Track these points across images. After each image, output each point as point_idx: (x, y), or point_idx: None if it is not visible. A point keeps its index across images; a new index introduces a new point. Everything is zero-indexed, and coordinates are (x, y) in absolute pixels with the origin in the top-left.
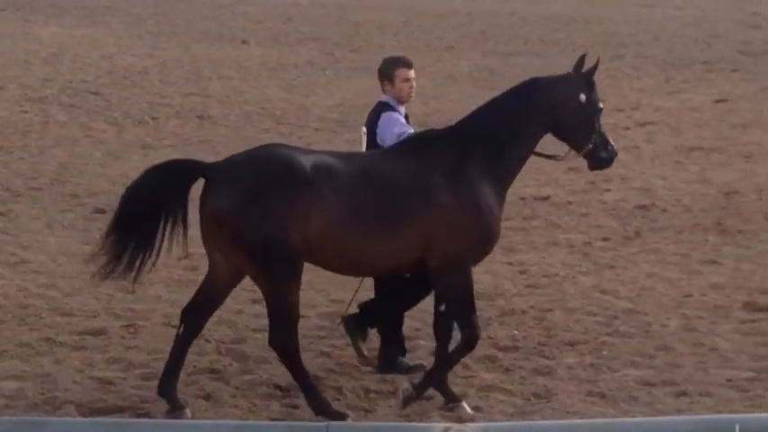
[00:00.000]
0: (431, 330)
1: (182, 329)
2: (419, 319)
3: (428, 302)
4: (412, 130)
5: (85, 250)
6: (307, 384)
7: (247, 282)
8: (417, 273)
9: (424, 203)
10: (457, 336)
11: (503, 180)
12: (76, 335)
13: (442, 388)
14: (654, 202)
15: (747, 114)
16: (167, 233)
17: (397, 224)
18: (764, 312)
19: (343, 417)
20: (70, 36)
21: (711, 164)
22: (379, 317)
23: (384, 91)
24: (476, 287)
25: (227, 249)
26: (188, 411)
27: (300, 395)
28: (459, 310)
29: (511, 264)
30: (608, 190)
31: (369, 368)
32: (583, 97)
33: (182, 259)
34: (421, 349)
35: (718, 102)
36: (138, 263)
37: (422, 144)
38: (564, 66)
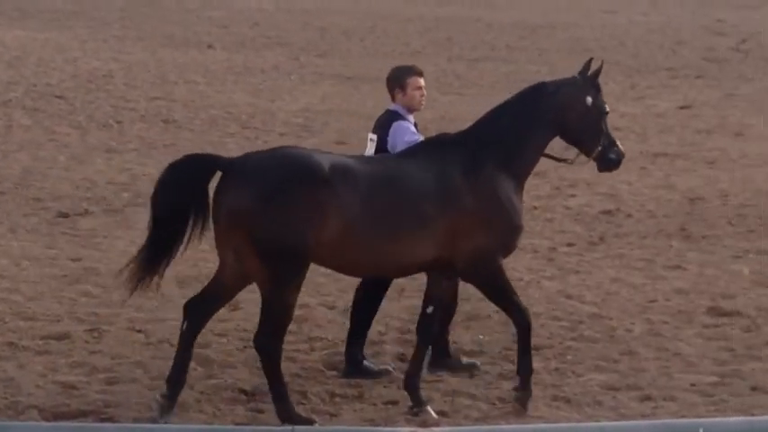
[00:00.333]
0: (396, 335)
1: (185, 326)
2: (384, 324)
3: (394, 308)
4: (423, 139)
5: (49, 254)
6: (279, 390)
7: None
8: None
9: (444, 202)
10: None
11: (517, 177)
12: (40, 339)
13: (412, 390)
14: (619, 208)
15: (711, 120)
16: (194, 230)
17: (417, 223)
18: (728, 317)
19: (310, 422)
20: (34, 39)
21: (676, 170)
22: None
23: (394, 99)
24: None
25: (242, 248)
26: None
27: (266, 399)
28: (501, 301)
29: None
30: (573, 195)
31: (333, 372)
32: (589, 100)
33: None
34: (387, 354)
35: (682, 108)
36: (163, 265)
37: (437, 147)
38: (530, 71)
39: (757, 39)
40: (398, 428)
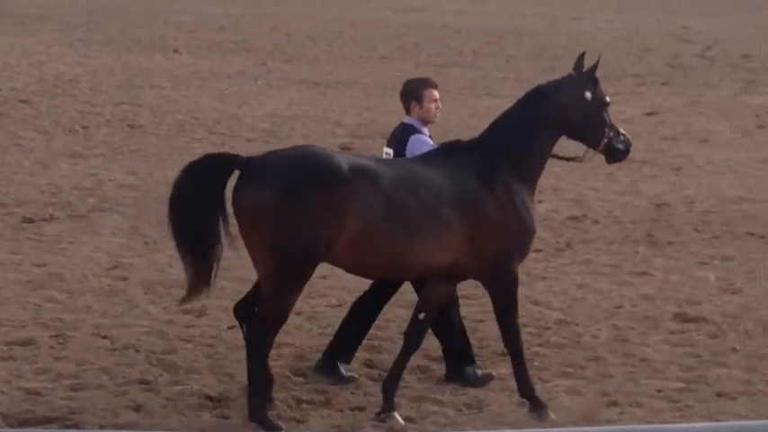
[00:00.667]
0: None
1: (245, 329)
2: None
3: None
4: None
5: (13, 260)
6: (257, 388)
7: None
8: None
9: (463, 207)
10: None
11: (528, 181)
12: (4, 345)
13: (389, 395)
14: (585, 214)
15: (677, 127)
16: (222, 228)
17: (436, 226)
18: (694, 323)
19: (277, 429)
20: None
21: (642, 176)
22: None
23: (410, 112)
24: (408, 297)
25: (257, 244)
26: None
27: (232, 405)
28: (505, 316)
29: None
30: (540, 201)
31: (300, 378)
32: (588, 95)
33: (112, 269)
34: (355, 360)
35: (649, 114)
36: (213, 266)
37: (453, 152)
38: (497, 77)
39: (722, 46)
40: None
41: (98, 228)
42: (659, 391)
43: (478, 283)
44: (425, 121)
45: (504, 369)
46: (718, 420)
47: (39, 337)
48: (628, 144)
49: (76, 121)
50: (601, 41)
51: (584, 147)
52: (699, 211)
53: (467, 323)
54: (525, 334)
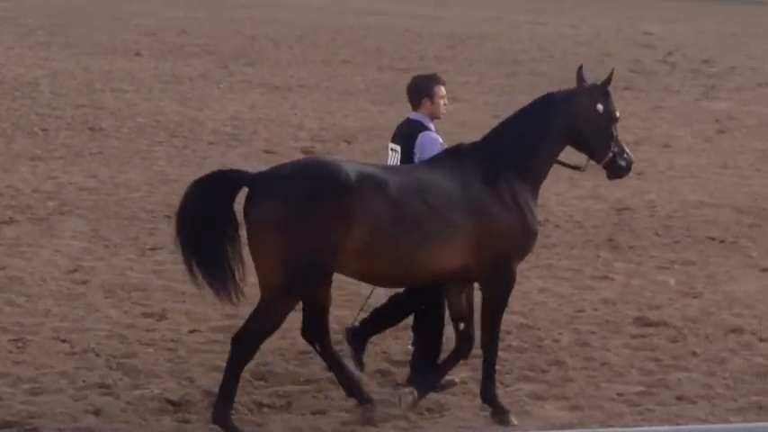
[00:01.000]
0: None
1: (317, 348)
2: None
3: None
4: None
5: None
6: (229, 392)
7: (139, 297)
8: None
9: (469, 209)
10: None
11: (533, 184)
12: None
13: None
14: (547, 218)
15: (639, 132)
16: (232, 242)
17: (445, 230)
18: (654, 327)
19: None
20: None
21: (604, 181)
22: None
23: (418, 108)
24: (370, 302)
25: (265, 255)
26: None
27: (193, 410)
28: (491, 320)
29: None
30: None
31: (261, 382)
32: (600, 107)
33: (71, 272)
34: (316, 365)
35: None
36: (229, 275)
37: (458, 155)
38: (459, 82)
39: (683, 51)
40: None
41: (58, 231)
42: (620, 394)
43: None
44: (433, 117)
45: (465, 374)
46: (678, 424)
47: None
48: (630, 162)
49: (36, 124)
50: (562, 46)
51: (584, 157)
52: (660, 215)
53: None
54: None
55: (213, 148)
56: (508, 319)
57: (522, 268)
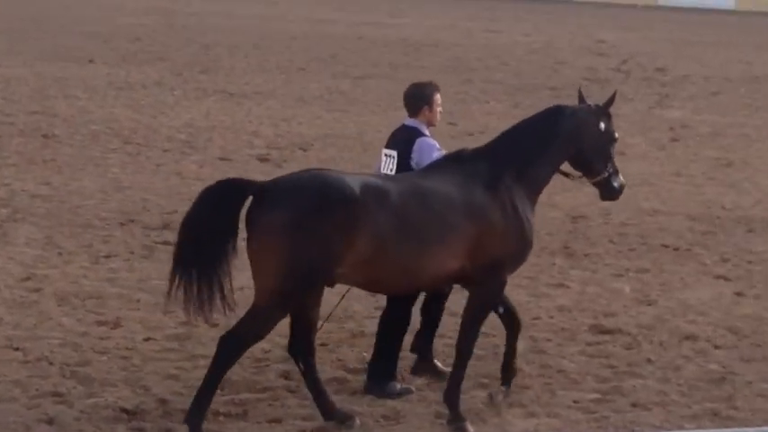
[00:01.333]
0: (281, 352)
1: (301, 367)
2: (268, 340)
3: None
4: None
5: None
6: (208, 394)
7: (93, 304)
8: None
9: (469, 215)
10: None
11: (532, 193)
12: None
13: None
14: None
15: None
16: (231, 253)
17: (446, 236)
18: (609, 335)
19: None
20: None
21: (559, 188)
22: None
23: (417, 115)
24: (323, 309)
25: (265, 266)
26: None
27: (147, 418)
28: (471, 326)
29: None
30: None
31: (217, 391)
32: (602, 125)
33: (25, 280)
34: (272, 372)
35: None
36: (214, 289)
37: (459, 161)
38: None
39: (637, 59)
40: None
41: (11, 238)
42: (576, 401)
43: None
44: (430, 124)
45: (421, 381)
46: (633, 431)
47: None
48: (622, 186)
49: None
50: (516, 54)
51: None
52: (615, 223)
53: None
54: (442, 345)
55: (168, 156)
56: None
57: None
